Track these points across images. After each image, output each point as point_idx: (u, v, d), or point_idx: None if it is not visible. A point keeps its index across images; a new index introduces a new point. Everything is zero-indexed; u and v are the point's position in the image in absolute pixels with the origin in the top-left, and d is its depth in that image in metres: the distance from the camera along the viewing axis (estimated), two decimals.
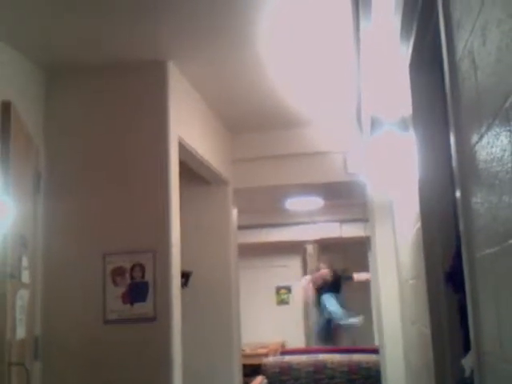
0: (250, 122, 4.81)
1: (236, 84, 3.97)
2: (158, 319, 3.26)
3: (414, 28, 2.09)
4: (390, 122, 2.72)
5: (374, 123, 2.75)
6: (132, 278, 3.26)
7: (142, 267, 3.26)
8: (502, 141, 0.98)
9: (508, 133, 0.94)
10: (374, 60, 2.85)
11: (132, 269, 3.27)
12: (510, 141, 0.93)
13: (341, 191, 6.19)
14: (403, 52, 2.42)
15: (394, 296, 4.35)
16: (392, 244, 4.26)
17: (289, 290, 11.15)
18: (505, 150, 0.96)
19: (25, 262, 2.81)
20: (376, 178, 4.09)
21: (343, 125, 4.77)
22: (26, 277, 2.84)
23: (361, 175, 4.41)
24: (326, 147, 4.92)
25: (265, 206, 8.05)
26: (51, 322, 3.29)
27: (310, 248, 10.68)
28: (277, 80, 3.89)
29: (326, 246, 10.60)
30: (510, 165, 0.94)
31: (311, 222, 9.65)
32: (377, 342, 5.65)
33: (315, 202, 7.72)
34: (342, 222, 9.54)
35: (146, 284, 3.25)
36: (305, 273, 10.94)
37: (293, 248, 10.70)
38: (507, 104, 0.93)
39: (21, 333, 2.73)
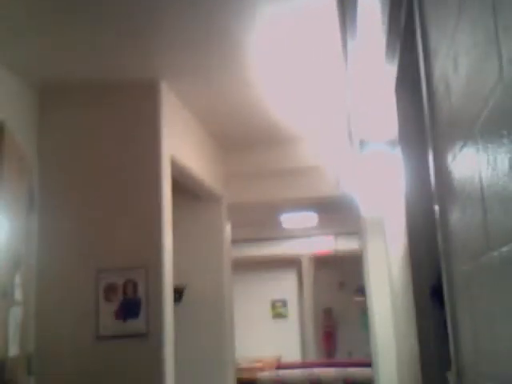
0: (243, 138, 4.86)
1: (228, 102, 4.02)
2: (151, 335, 3.28)
3: (398, 49, 2.14)
4: (379, 143, 2.77)
5: (363, 142, 2.81)
6: (125, 294, 3.29)
7: (135, 284, 3.29)
8: (471, 162, 1.02)
9: (477, 155, 0.98)
10: (362, 79, 2.90)
11: (125, 285, 3.30)
12: (478, 162, 0.97)
13: (335, 205, 6.23)
14: (389, 73, 2.47)
15: (387, 310, 4.37)
16: (384, 258, 4.29)
17: (284, 303, 11.15)
18: (474, 171, 1.00)
19: (18, 279, 2.83)
20: (367, 193, 4.14)
21: (334, 140, 4.82)
22: (18, 294, 2.86)
23: (352, 191, 4.45)
24: (318, 162, 4.97)
25: (259, 220, 8.09)
26: (45, 339, 3.31)
27: (305, 262, 10.70)
28: (268, 97, 3.95)
29: (322, 260, 10.63)
30: (478, 185, 0.98)
31: (306, 236, 9.68)
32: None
33: (310, 216, 7.76)
34: (337, 235, 9.57)
35: (138, 300, 3.27)
36: (301, 286, 10.95)
37: (288, 262, 10.71)
38: (476, 127, 0.97)
39: (14, 350, 2.74)
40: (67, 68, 3.37)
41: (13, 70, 3.28)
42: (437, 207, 1.37)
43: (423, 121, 2.07)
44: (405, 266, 2.60)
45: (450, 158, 1.22)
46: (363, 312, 9.02)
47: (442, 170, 1.29)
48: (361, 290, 9.02)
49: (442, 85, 1.27)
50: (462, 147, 1.09)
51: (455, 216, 1.21)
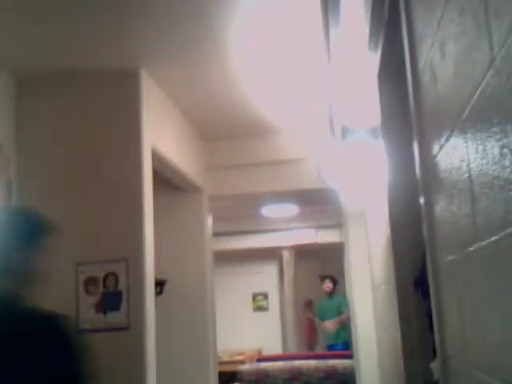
0: (224, 130, 4.83)
1: (209, 92, 3.98)
2: (132, 328, 3.24)
3: (382, 38, 2.13)
4: (361, 131, 2.76)
5: (345, 131, 2.79)
6: (105, 287, 3.25)
7: (116, 276, 3.25)
8: (459, 151, 1.01)
9: (465, 144, 0.97)
10: (344, 68, 2.89)
11: (105, 278, 3.26)
12: (466, 152, 0.96)
13: (316, 197, 6.23)
14: (372, 61, 2.46)
15: (368, 301, 4.39)
16: (365, 250, 4.30)
17: (265, 296, 11.16)
18: (462, 161, 0.99)
19: None
20: (348, 185, 4.14)
21: (316, 132, 4.81)
22: None
23: (333, 182, 4.45)
24: (299, 154, 4.96)
25: (240, 212, 8.06)
26: None
27: (286, 254, 10.71)
28: (249, 88, 3.92)
29: (303, 252, 10.65)
30: (466, 175, 0.97)
31: (287, 229, 9.68)
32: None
33: (290, 208, 7.76)
34: (318, 227, 9.58)
35: (119, 293, 3.23)
36: (281, 279, 10.97)
37: (269, 254, 10.72)
38: (464, 116, 0.96)
39: None
40: (46, 56, 3.31)
41: None
42: (422, 198, 1.37)
43: (407, 109, 2.06)
44: (386, 257, 2.60)
45: (436, 147, 1.20)
46: (327, 298, 9.05)
47: (428, 160, 1.28)
48: (325, 277, 9.11)
49: (427, 73, 1.26)
50: (449, 136, 1.08)
51: (441, 207, 1.20)
